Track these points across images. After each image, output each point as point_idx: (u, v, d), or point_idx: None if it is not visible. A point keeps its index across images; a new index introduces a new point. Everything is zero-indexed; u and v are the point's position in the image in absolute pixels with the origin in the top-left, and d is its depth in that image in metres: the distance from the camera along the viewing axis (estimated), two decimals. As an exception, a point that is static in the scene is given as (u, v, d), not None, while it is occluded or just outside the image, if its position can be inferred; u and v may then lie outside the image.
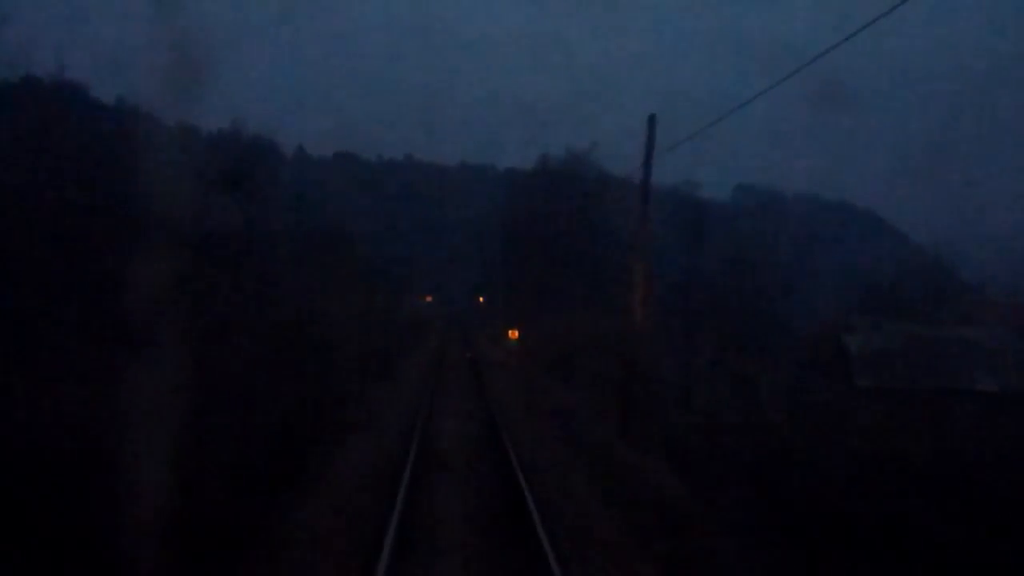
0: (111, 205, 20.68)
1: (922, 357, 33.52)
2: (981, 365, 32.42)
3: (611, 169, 52.60)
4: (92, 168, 24.00)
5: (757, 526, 11.47)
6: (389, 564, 8.44)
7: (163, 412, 9.65)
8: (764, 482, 15.36)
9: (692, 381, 40.18)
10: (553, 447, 16.44)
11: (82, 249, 18.51)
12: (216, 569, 8.25)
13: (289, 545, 9.36)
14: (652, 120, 18.88)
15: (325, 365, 25.26)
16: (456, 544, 9.80)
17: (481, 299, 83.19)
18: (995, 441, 22.16)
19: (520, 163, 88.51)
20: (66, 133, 27.47)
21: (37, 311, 15.69)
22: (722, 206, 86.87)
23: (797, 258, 78.03)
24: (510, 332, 48.72)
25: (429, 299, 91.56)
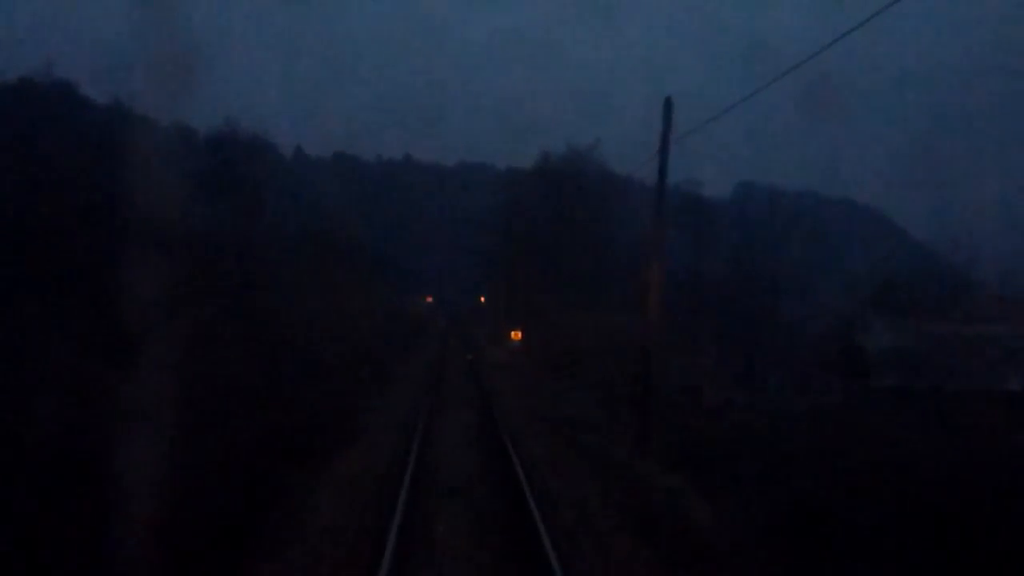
0: (104, 207, 19.77)
1: (942, 356, 31.69)
2: (1006, 364, 30.61)
3: (613, 168, 51.01)
4: (85, 169, 23.04)
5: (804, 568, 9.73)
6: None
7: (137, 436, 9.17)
8: (801, 505, 13.60)
9: (699, 381, 38.21)
10: (566, 466, 14.63)
11: (72, 252, 17.68)
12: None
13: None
14: (668, 104, 17.08)
15: (317, 373, 23.50)
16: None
17: (482, 299, 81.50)
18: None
19: (520, 163, 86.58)
20: (58, 133, 26.11)
21: (27, 315, 14.63)
22: (723, 204, 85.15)
23: (800, 255, 76.40)
24: (512, 333, 46.93)
25: (429, 299, 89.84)
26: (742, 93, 15.36)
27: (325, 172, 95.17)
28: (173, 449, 10.00)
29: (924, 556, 9.78)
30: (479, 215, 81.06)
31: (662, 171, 17.12)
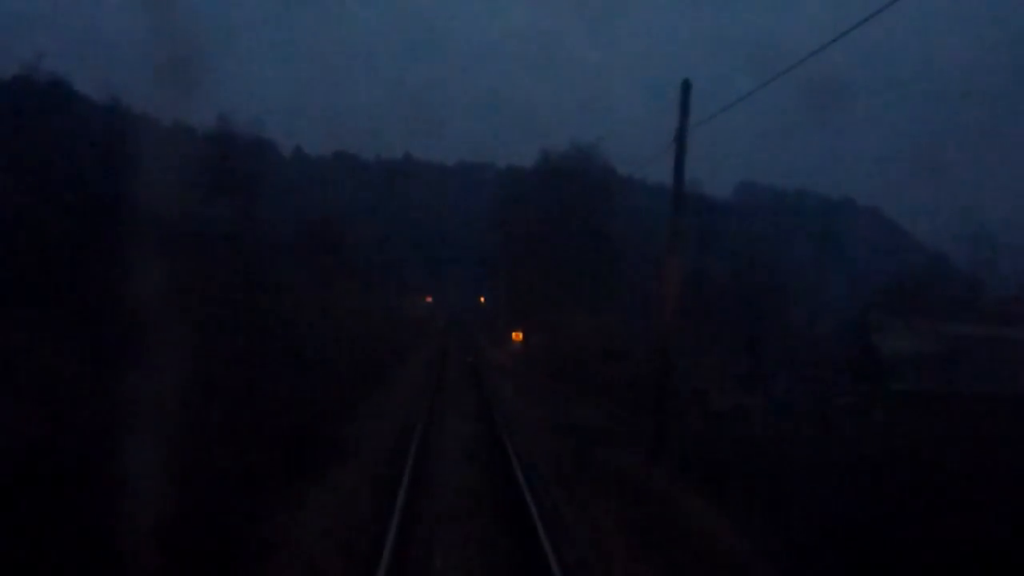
0: (103, 205, 19.73)
1: (961, 358, 30.06)
2: (1030, 367, 29.01)
3: (615, 167, 49.53)
4: (85, 167, 23.12)
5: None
6: None
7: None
8: (837, 530, 12.06)
9: (705, 383, 36.61)
10: (577, 484, 13.04)
11: (74, 249, 17.62)
12: None
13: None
14: (687, 87, 15.54)
15: (309, 377, 21.97)
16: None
17: (482, 299, 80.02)
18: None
19: (519, 162, 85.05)
20: (52, 129, 25.97)
21: (25, 314, 14.53)
22: (725, 204, 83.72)
23: (804, 255, 75.08)
24: (513, 334, 45.39)
25: (429, 299, 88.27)
26: (746, 94, 13.90)
27: (325, 171, 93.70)
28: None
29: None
30: (479, 215, 79.66)
31: (679, 160, 15.57)
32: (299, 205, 60.59)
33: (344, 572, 8.43)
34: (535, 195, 51.77)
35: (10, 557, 7.08)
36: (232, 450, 12.10)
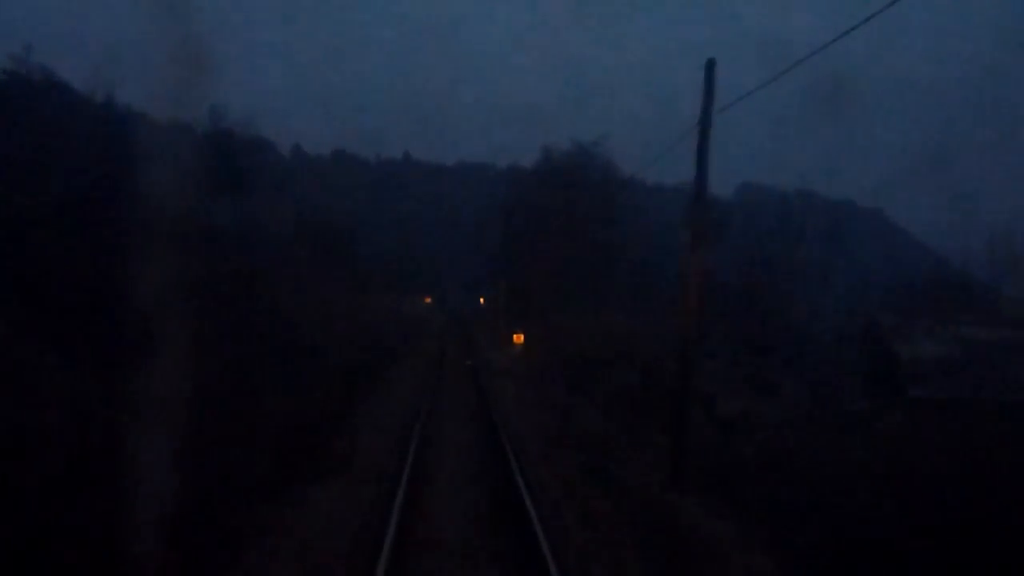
0: (100, 205, 19.46)
1: (983, 364, 28.42)
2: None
3: (618, 166, 47.97)
4: (82, 167, 22.42)
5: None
6: None
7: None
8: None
9: (711, 387, 34.92)
10: (592, 509, 11.39)
11: (72, 249, 17.25)
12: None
13: None
14: (711, 66, 13.93)
15: (300, 382, 20.39)
16: None
17: (482, 300, 78.46)
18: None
19: (519, 162, 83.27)
20: (55, 131, 24.67)
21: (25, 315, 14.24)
22: (727, 204, 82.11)
23: (806, 257, 73.58)
24: (514, 336, 43.74)
25: (428, 300, 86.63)
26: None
27: (324, 171, 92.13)
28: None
29: None
30: (479, 215, 78.15)
31: (702, 147, 13.94)
32: (297, 204, 59.25)
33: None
34: (536, 194, 50.28)
35: (15, 554, 7.07)
36: (217, 463, 10.67)
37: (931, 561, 10.05)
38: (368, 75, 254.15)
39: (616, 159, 48.17)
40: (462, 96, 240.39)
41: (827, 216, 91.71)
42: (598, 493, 12.21)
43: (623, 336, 36.20)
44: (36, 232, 16.97)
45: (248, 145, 43.70)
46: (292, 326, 27.56)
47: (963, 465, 16.21)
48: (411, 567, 8.44)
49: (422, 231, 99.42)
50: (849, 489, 14.36)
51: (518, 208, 53.21)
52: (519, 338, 43.14)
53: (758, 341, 46.19)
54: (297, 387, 20.39)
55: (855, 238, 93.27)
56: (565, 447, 16.10)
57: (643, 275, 52.60)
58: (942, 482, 14.40)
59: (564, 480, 13.16)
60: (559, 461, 14.71)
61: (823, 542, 10.04)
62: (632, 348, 33.49)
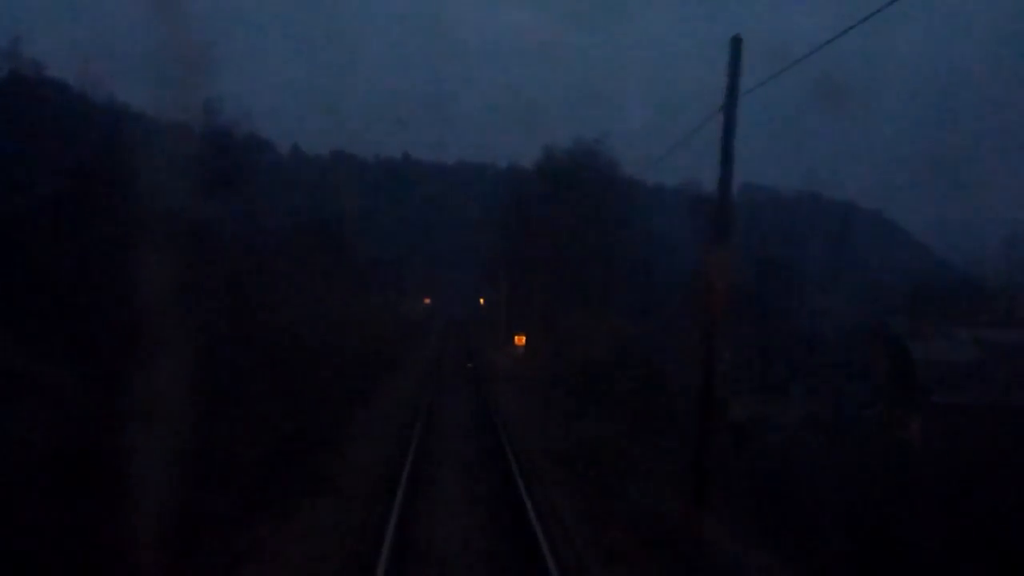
0: (92, 204, 18.52)
1: (1009, 367, 26.96)
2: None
3: (620, 166, 46.51)
4: (73, 165, 21.38)
5: None
6: None
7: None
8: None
9: (720, 391, 33.44)
10: (611, 534, 10.01)
11: (70, 250, 16.55)
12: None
13: None
14: (737, 44, 12.50)
15: (290, 390, 18.98)
16: None
17: (482, 300, 77.04)
18: None
19: (521, 162, 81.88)
20: (47, 128, 23.75)
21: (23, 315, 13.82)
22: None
23: (809, 259, 72.41)
24: (516, 338, 42.30)
25: (427, 301, 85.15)
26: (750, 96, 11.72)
27: (322, 170, 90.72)
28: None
29: None
30: (479, 215, 76.71)
31: (727, 131, 12.50)
32: (296, 204, 58.08)
33: None
34: (537, 194, 48.86)
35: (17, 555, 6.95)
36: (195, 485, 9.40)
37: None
38: (368, 75, 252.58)
39: (619, 158, 46.71)
40: (462, 96, 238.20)
41: (830, 217, 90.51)
42: (617, 520, 10.80)
43: (626, 339, 34.82)
44: (24, 232, 16.23)
45: (245, 144, 42.48)
46: (288, 330, 26.38)
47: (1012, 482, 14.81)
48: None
49: (422, 231, 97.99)
50: (892, 513, 13.00)
51: (519, 207, 51.79)
52: (521, 340, 41.74)
53: (764, 343, 44.93)
54: (292, 394, 19.13)
55: (857, 240, 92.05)
56: (575, 463, 14.66)
57: (645, 277, 51.26)
58: (993, 502, 13.05)
59: (578, 503, 11.74)
60: (571, 481, 13.28)
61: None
62: (636, 352, 32.13)
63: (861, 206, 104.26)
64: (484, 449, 15.95)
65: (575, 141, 48.50)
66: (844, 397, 33.73)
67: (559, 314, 39.11)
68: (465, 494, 12.05)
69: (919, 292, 42.42)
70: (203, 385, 12.35)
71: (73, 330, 14.21)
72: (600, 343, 33.51)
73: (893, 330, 32.70)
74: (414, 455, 13.90)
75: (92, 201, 18.64)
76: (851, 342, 44.11)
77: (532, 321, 42.16)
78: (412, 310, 71.78)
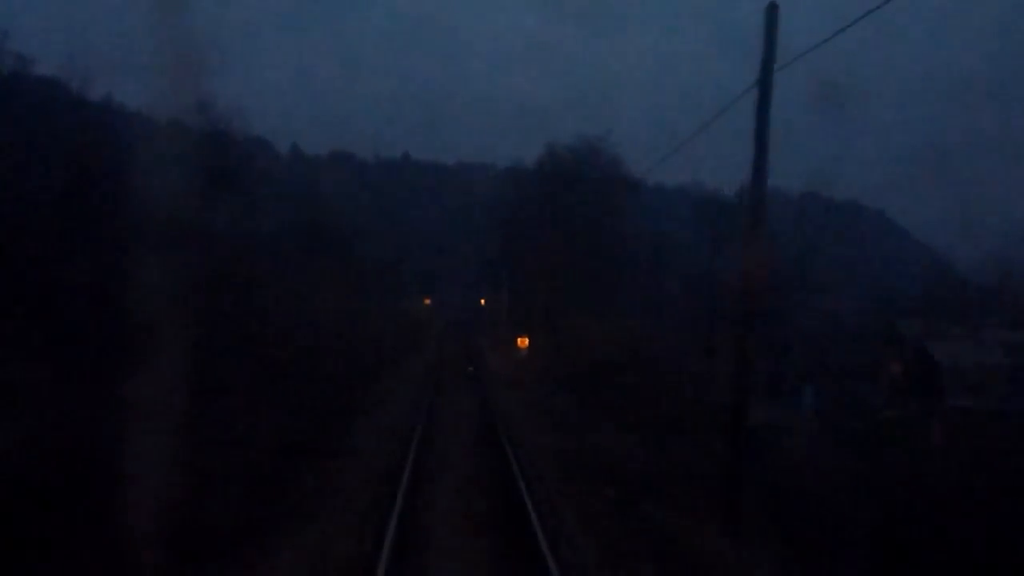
0: (94, 204, 18.46)
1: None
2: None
3: (622, 164, 45.09)
4: (77, 168, 20.97)
5: None
6: None
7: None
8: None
9: (723, 393, 31.91)
10: (635, 569, 8.46)
11: (68, 252, 16.39)
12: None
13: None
14: (773, 11, 11.07)
15: (284, 395, 17.67)
16: None
17: (483, 301, 75.70)
18: None
19: (520, 162, 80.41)
20: (50, 131, 23.73)
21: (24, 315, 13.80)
22: (733, 206, 79.20)
23: (813, 258, 71.07)
24: (518, 339, 40.83)
25: (428, 302, 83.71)
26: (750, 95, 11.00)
27: (322, 170, 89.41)
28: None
29: None
30: (479, 215, 75.35)
31: (762, 106, 11.07)
32: (295, 205, 56.97)
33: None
34: (538, 193, 47.46)
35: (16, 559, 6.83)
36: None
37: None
38: (367, 75, 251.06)
39: (621, 155, 45.25)
40: (462, 96, 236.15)
41: (834, 216, 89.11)
42: (640, 549, 9.30)
43: (631, 340, 33.42)
44: (16, 232, 15.83)
45: (244, 144, 41.26)
46: (283, 332, 25.16)
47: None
48: None
49: (422, 231, 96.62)
50: (940, 528, 11.56)
51: (520, 206, 50.40)
52: (523, 342, 40.28)
53: (773, 343, 43.58)
54: (284, 401, 17.83)
55: (860, 239, 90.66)
56: (590, 479, 13.17)
57: (648, 276, 49.94)
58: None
59: (594, 526, 10.26)
60: (585, 498, 11.78)
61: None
62: (642, 353, 30.76)
63: (864, 206, 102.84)
64: (486, 464, 14.45)
65: (578, 137, 47.14)
66: (859, 400, 32.33)
67: (562, 314, 37.73)
68: (469, 525, 10.49)
69: (931, 293, 40.96)
70: (197, 386, 11.53)
71: (65, 332, 13.98)
72: (607, 344, 32.08)
73: (907, 332, 31.25)
74: (411, 469, 12.43)
75: (88, 200, 18.29)
76: (861, 344, 42.77)
77: (534, 322, 40.78)
78: (412, 310, 70.44)
